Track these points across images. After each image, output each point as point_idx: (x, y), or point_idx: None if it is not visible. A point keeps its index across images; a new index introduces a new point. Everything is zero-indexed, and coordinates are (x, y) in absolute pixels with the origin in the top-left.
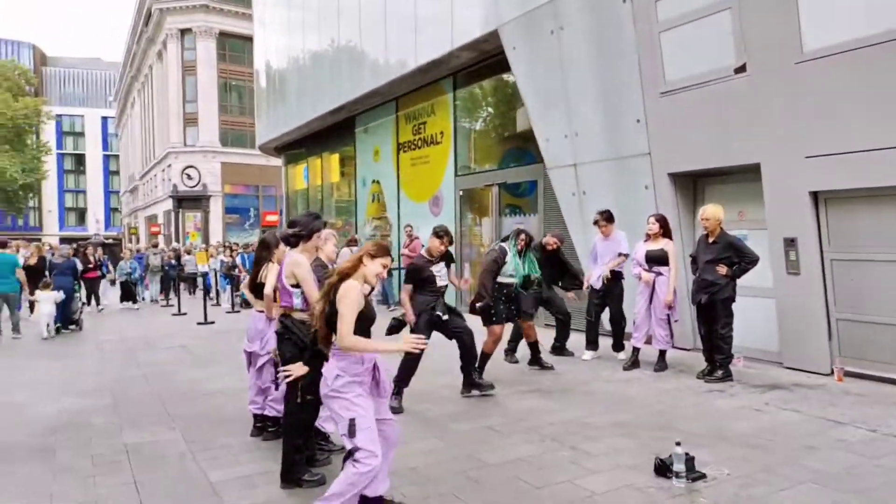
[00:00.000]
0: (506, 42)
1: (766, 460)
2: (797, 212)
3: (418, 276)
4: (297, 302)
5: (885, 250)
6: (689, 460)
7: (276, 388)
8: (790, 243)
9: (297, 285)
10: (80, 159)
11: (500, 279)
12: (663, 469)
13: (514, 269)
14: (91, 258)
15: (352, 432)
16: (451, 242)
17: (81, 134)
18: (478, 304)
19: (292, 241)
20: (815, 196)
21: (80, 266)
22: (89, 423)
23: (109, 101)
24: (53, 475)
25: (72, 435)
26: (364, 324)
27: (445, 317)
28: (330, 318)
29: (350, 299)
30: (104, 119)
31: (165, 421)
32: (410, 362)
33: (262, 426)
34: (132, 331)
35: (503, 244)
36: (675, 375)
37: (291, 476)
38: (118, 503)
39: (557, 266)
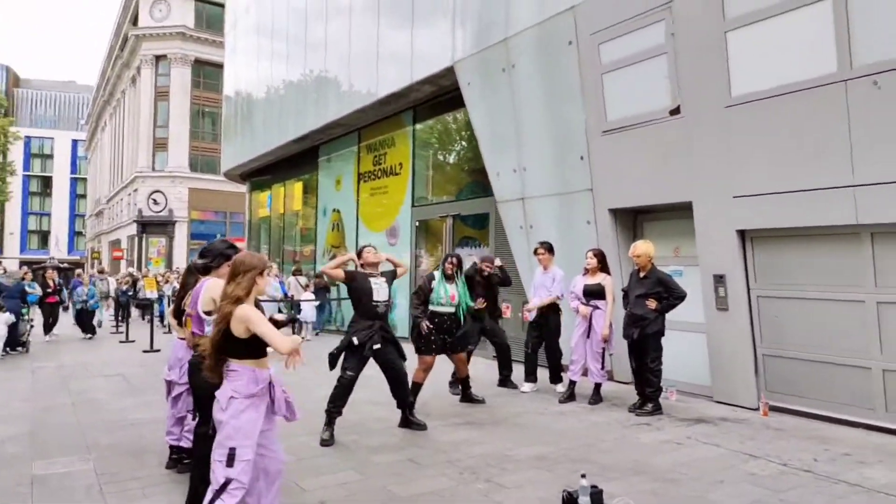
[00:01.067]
0: (461, 78)
1: (674, 493)
2: (726, 249)
3: (351, 281)
4: (209, 330)
5: (807, 288)
6: (596, 493)
7: (193, 419)
8: (719, 280)
9: (211, 313)
10: (46, 182)
11: (432, 308)
12: (571, 502)
13: (443, 297)
14: (51, 282)
15: (230, 462)
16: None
17: (50, 156)
18: (415, 333)
19: (202, 271)
20: (742, 234)
21: (32, 290)
22: (0, 452)
23: (81, 124)
24: None
25: None
26: (260, 343)
27: (371, 349)
28: (222, 344)
29: (257, 316)
30: (74, 142)
31: (81, 451)
32: (339, 390)
33: (178, 458)
34: (73, 357)
35: (435, 272)
36: (608, 408)
37: None
38: None
39: (492, 294)
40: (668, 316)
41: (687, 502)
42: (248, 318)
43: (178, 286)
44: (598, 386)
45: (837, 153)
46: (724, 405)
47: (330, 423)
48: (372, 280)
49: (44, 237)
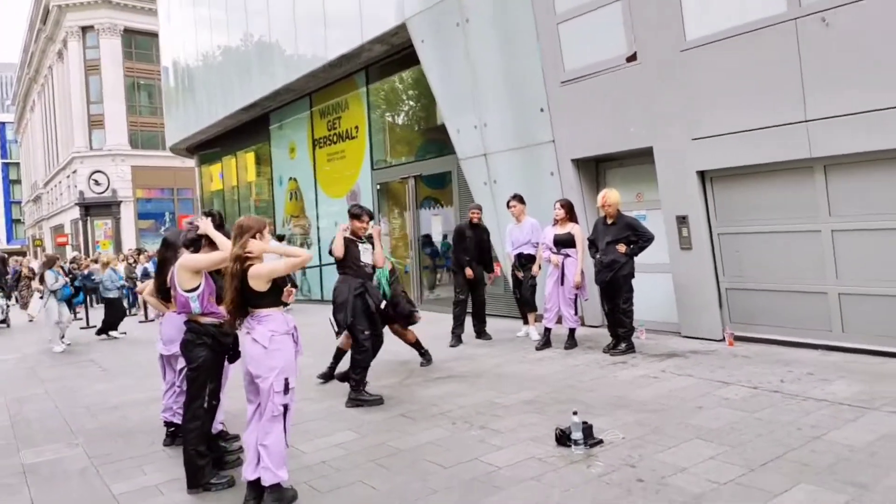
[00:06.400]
0: (414, 35)
1: (658, 422)
2: (687, 191)
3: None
4: (194, 306)
5: (765, 222)
6: (587, 428)
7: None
8: (682, 221)
9: (193, 290)
10: None
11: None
12: (564, 439)
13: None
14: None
15: (286, 390)
16: (371, 218)
17: None
18: None
19: (193, 245)
20: (702, 175)
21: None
22: None
23: (7, 105)
24: None
25: None
26: (279, 291)
27: (382, 305)
28: (241, 302)
29: (267, 265)
30: (2, 125)
31: (67, 437)
32: (367, 354)
33: (175, 432)
34: (33, 346)
35: None
36: (583, 352)
37: (198, 482)
38: None
39: (481, 246)
40: (634, 258)
41: (671, 428)
42: (260, 272)
43: (147, 267)
44: (572, 331)
45: (790, 90)
46: (692, 339)
47: (358, 386)
48: (360, 245)
49: None
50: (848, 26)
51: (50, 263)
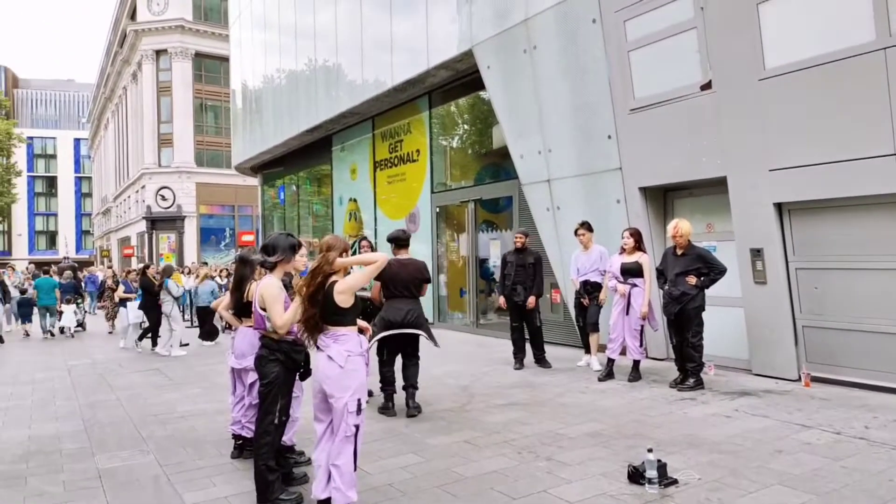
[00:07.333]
0: (480, 61)
1: (735, 465)
2: (763, 223)
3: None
4: (269, 325)
5: (846, 259)
6: (662, 467)
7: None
8: (756, 254)
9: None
10: (51, 182)
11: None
12: (636, 476)
13: None
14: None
15: (359, 411)
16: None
17: (53, 156)
18: None
19: (272, 268)
20: (779, 207)
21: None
22: (60, 448)
23: (82, 122)
24: (24, 502)
25: (42, 461)
26: (356, 312)
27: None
28: (318, 320)
29: (351, 278)
30: (77, 141)
31: (138, 444)
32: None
33: (243, 445)
34: (103, 354)
35: None
36: (648, 385)
37: (267, 497)
38: None
39: (532, 271)
40: (705, 291)
41: (749, 472)
42: (345, 286)
43: (219, 282)
44: (636, 363)
45: (879, 122)
46: (765, 377)
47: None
48: None
49: (52, 237)
50: None
51: (167, 273)
